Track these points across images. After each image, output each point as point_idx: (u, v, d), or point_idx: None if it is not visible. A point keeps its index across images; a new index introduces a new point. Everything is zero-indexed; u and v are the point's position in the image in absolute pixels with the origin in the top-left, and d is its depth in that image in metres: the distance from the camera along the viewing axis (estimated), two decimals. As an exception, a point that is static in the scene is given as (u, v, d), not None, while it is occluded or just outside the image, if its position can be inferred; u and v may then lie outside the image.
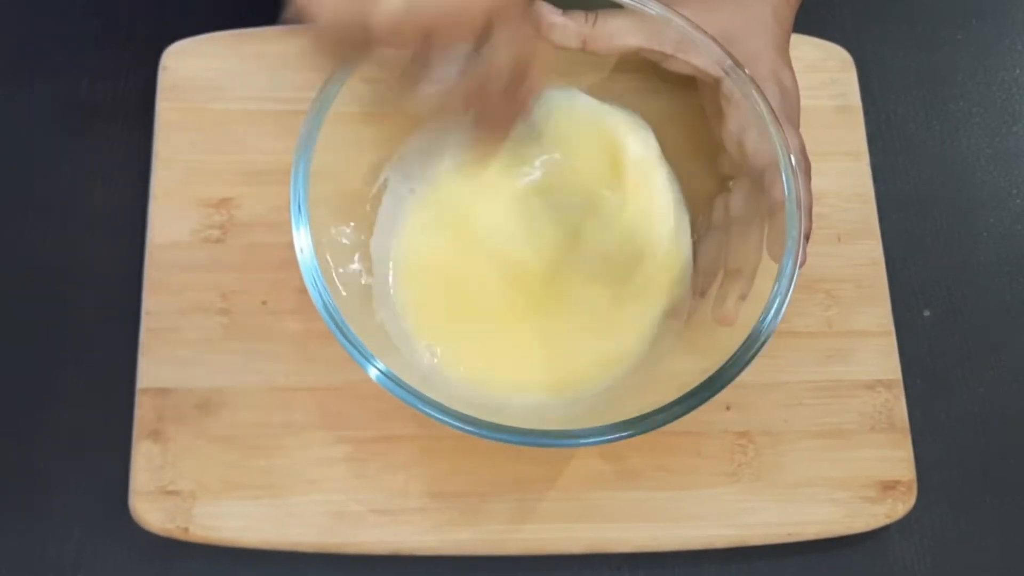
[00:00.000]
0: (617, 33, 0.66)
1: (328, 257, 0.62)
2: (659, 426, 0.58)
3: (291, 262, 0.59)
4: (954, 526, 0.73)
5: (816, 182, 0.67)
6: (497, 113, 0.62)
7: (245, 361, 0.70)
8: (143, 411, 0.69)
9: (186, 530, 0.66)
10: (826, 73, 0.80)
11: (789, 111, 0.66)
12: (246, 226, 0.73)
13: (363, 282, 0.68)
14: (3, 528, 0.69)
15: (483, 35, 0.54)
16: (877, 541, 0.72)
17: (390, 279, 0.69)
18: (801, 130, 0.67)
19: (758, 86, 0.64)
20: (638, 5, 0.65)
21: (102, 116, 0.78)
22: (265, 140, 0.75)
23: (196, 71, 0.77)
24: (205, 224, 0.73)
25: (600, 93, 0.72)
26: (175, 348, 0.70)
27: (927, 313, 0.78)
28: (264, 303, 0.72)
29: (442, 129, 0.70)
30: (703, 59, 0.65)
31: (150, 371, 0.70)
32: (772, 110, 0.63)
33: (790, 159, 0.62)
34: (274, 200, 0.73)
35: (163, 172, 0.74)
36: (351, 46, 0.53)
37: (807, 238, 0.63)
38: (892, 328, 0.75)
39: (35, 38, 0.80)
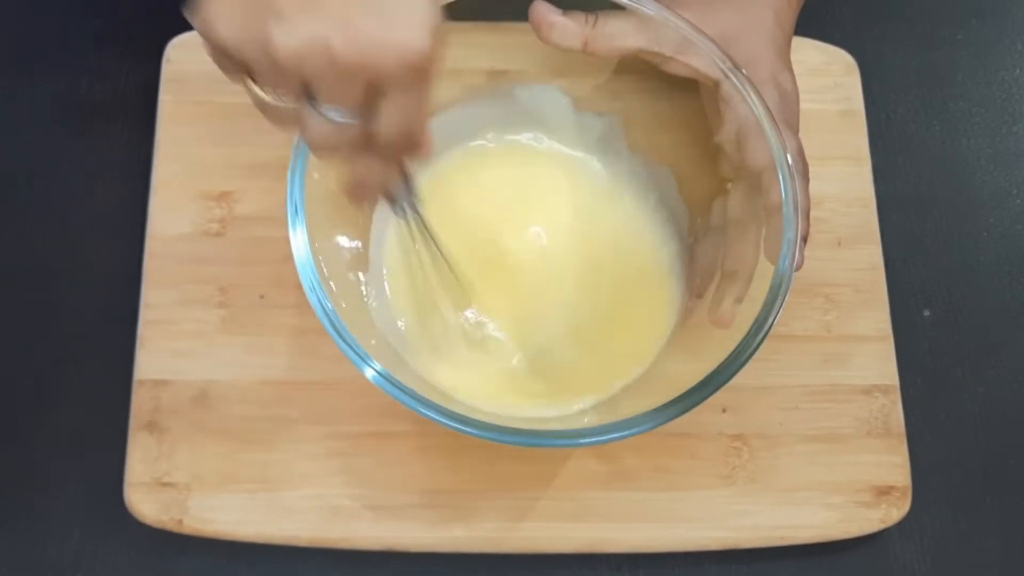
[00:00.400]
0: (618, 34, 0.66)
1: (325, 257, 0.62)
2: (654, 427, 0.58)
3: (290, 257, 0.59)
4: (954, 526, 0.73)
5: (817, 186, 0.67)
6: (372, 172, 0.55)
7: (242, 355, 0.71)
8: (140, 402, 0.69)
9: (180, 522, 0.67)
10: (829, 77, 0.80)
11: (788, 114, 0.66)
12: (246, 220, 0.74)
13: (360, 282, 0.68)
14: (3, 528, 0.69)
15: (377, 91, 0.48)
16: (877, 541, 0.72)
17: (385, 280, 0.70)
18: (803, 134, 0.67)
19: (757, 89, 0.64)
20: (639, 6, 0.65)
21: (102, 116, 0.78)
22: (267, 134, 0.72)
23: (199, 64, 0.75)
24: (205, 217, 0.73)
25: (600, 95, 0.72)
26: (173, 340, 0.70)
27: (927, 313, 0.78)
28: (262, 297, 0.72)
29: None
30: (703, 61, 0.65)
31: (148, 363, 0.70)
32: (770, 113, 0.63)
33: (787, 162, 0.62)
34: (274, 194, 0.72)
35: (164, 165, 0.74)
36: (246, 69, 0.49)
37: (804, 241, 0.63)
38: (890, 333, 0.74)
39: (35, 38, 0.80)
